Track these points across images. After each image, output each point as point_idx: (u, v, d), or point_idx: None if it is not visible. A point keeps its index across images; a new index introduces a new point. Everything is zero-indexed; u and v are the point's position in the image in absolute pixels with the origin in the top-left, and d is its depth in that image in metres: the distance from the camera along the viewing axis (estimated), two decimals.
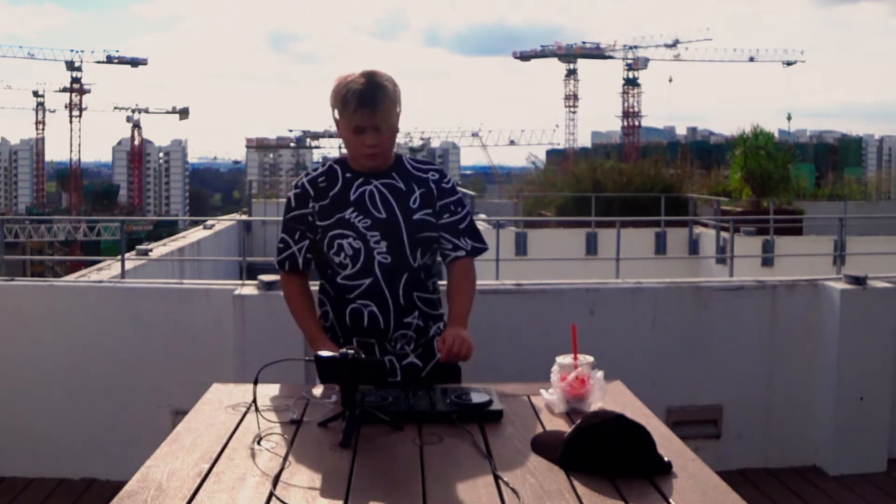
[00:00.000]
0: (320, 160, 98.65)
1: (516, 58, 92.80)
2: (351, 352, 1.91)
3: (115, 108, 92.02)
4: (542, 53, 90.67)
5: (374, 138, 2.39)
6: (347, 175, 2.48)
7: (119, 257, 7.86)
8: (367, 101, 2.35)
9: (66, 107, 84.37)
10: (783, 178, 16.88)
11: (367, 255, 2.41)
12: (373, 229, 2.42)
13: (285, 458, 1.72)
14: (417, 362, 2.49)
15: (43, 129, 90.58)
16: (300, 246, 2.55)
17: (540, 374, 2.34)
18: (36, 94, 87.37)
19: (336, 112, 2.41)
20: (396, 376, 2.46)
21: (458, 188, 2.63)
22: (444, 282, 2.62)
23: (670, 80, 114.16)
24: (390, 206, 2.44)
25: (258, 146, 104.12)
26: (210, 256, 11.79)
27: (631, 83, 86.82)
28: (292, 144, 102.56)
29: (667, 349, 4.05)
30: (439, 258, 2.58)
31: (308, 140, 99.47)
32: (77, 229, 50.01)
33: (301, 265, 2.57)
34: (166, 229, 25.48)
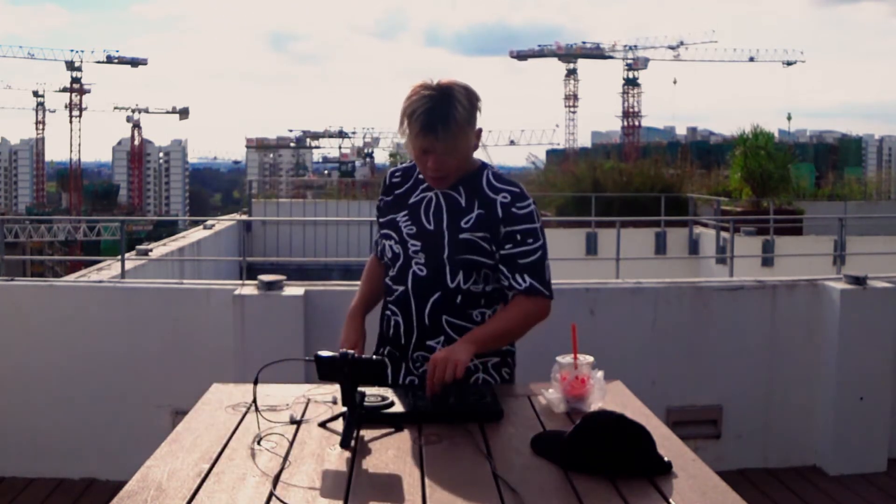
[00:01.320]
0: (320, 160, 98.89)
1: (513, 57, 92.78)
2: (351, 352, 1.91)
3: (115, 108, 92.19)
4: (541, 53, 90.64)
5: (437, 162, 2.22)
6: (419, 177, 2.36)
7: (119, 257, 7.86)
8: (432, 127, 2.16)
9: (66, 107, 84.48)
10: (783, 178, 16.87)
11: (405, 263, 2.32)
12: (416, 238, 2.31)
13: (285, 458, 1.72)
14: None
15: (43, 129, 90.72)
16: (378, 235, 2.47)
17: (540, 374, 2.34)
18: (36, 94, 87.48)
19: (404, 126, 2.23)
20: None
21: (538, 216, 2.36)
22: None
23: (674, 82, 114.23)
24: (440, 218, 2.30)
25: (258, 146, 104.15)
26: (210, 256, 11.79)
27: (631, 83, 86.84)
28: (292, 144, 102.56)
29: (667, 349, 4.05)
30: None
31: (308, 140, 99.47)
32: (77, 229, 50.02)
33: (379, 253, 2.45)
34: (166, 229, 25.49)
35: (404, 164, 2.47)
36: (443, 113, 2.17)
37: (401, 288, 2.32)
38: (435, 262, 2.28)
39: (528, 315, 2.31)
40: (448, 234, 2.28)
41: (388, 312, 2.38)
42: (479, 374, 2.34)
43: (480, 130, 2.30)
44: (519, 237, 2.27)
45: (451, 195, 2.32)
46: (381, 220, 2.42)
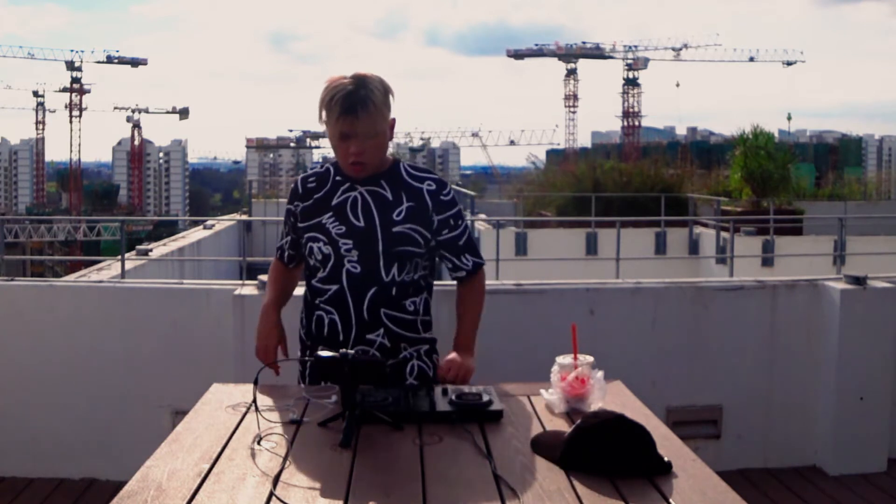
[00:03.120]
0: (320, 160, 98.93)
1: (510, 56, 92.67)
2: (350, 352, 1.91)
3: (115, 108, 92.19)
4: (539, 52, 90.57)
5: (357, 146, 2.30)
6: (337, 178, 2.43)
7: (119, 257, 7.86)
8: (351, 108, 2.26)
9: (66, 107, 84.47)
10: (783, 178, 16.89)
11: (336, 262, 2.36)
12: (346, 237, 2.35)
13: (285, 458, 1.72)
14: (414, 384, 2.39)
15: (43, 129, 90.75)
16: (285, 241, 2.59)
17: (540, 374, 2.34)
18: (36, 94, 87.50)
19: (323, 115, 2.33)
20: None
21: (457, 189, 2.59)
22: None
23: (677, 85, 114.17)
24: (371, 214, 2.36)
25: (258, 146, 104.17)
26: (210, 256, 11.79)
27: (631, 83, 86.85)
28: (292, 144, 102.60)
29: (667, 349, 4.05)
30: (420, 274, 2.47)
31: (308, 140, 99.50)
32: (77, 229, 50.05)
33: (286, 259, 2.60)
34: (166, 229, 25.51)
35: (315, 171, 2.53)
36: (361, 96, 2.26)
37: (334, 287, 2.37)
38: (369, 258, 2.35)
39: (481, 291, 2.53)
40: (381, 229, 2.35)
41: (320, 313, 2.41)
42: (414, 362, 2.45)
43: (394, 121, 2.39)
44: (452, 222, 2.43)
45: (376, 191, 2.39)
46: (301, 224, 2.44)
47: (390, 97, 2.35)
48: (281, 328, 2.54)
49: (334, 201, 2.40)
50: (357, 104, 2.26)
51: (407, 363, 2.44)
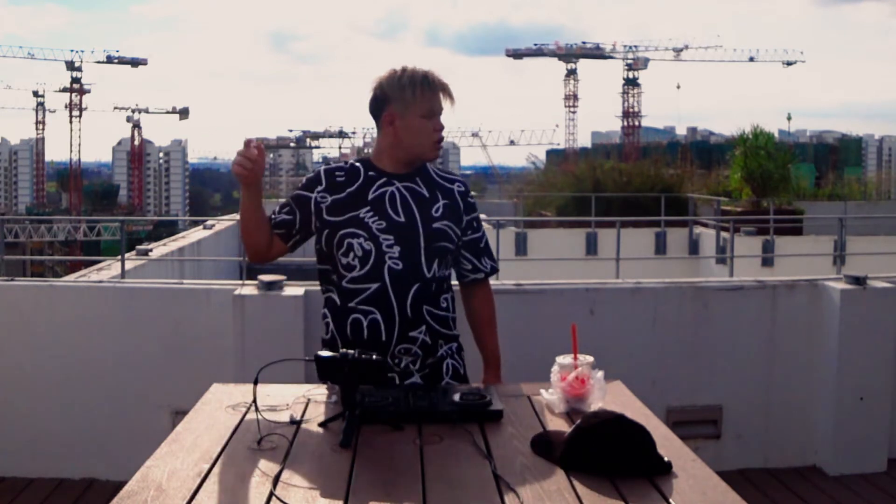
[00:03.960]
0: (320, 160, 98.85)
1: (509, 55, 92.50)
2: (351, 352, 1.91)
3: (115, 108, 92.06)
4: (538, 52, 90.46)
5: (440, 124, 2.36)
6: (370, 173, 2.38)
7: (119, 257, 7.85)
8: (444, 87, 2.35)
9: (66, 107, 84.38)
10: (783, 178, 16.88)
11: (378, 258, 2.29)
12: (387, 232, 2.30)
13: (285, 458, 1.72)
14: (420, 382, 2.37)
15: (43, 129, 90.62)
16: (280, 218, 2.39)
17: (540, 374, 2.34)
18: (36, 94, 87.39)
19: (403, 101, 2.32)
20: None
21: None
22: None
23: (678, 87, 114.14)
24: (410, 210, 2.33)
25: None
26: (210, 256, 11.78)
27: (631, 83, 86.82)
28: (292, 144, 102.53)
29: (667, 349, 4.05)
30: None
31: (308, 140, 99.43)
32: (77, 229, 50.04)
33: (272, 224, 2.40)
34: (166, 229, 25.50)
35: (338, 165, 2.44)
36: (442, 78, 2.36)
37: (375, 285, 2.30)
38: (410, 254, 2.31)
39: (493, 300, 2.56)
40: (422, 225, 2.33)
41: (357, 315, 2.32)
42: (449, 360, 2.44)
43: None
44: (475, 224, 2.48)
45: (412, 187, 2.38)
46: (331, 217, 2.33)
47: None
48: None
49: (370, 196, 2.34)
50: (447, 84, 2.35)
51: (443, 361, 2.42)
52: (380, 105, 2.37)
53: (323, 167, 2.45)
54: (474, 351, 2.58)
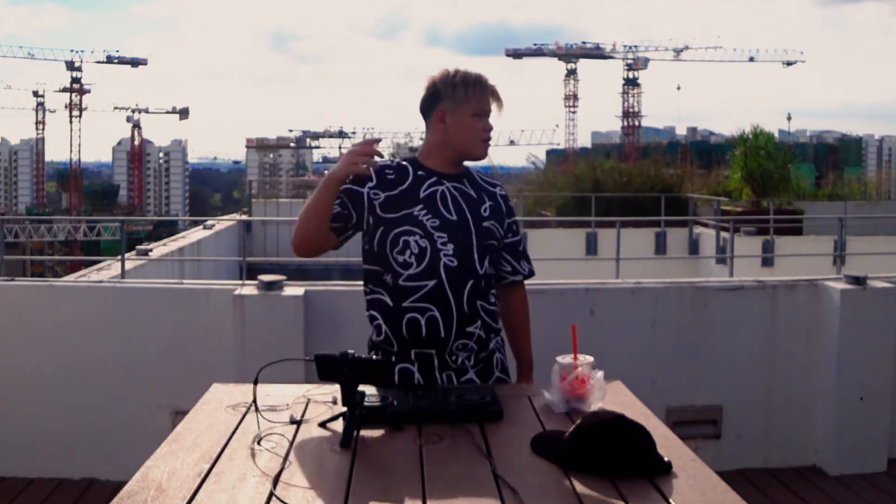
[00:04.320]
0: (320, 160, 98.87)
1: (509, 55, 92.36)
2: (351, 352, 1.91)
3: (115, 108, 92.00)
4: (538, 52, 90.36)
5: (489, 125, 2.42)
6: (419, 172, 2.39)
7: (119, 257, 7.86)
8: (494, 90, 2.41)
9: (66, 107, 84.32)
10: (783, 178, 16.87)
11: (433, 256, 2.31)
12: (441, 230, 2.32)
13: (285, 458, 1.72)
14: (476, 379, 2.38)
15: (43, 129, 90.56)
16: (336, 211, 2.35)
17: (540, 374, 2.34)
18: (36, 94, 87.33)
19: (454, 99, 2.37)
20: None
21: None
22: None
23: (678, 88, 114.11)
24: (461, 209, 2.37)
25: (258, 146, 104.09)
26: (210, 256, 11.78)
27: (631, 83, 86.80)
28: (292, 144, 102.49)
29: (667, 349, 4.05)
30: None
31: (308, 140, 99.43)
32: (77, 229, 50.05)
33: (400, 245, 2.36)
34: (166, 229, 25.51)
35: (385, 163, 2.43)
36: (493, 84, 2.43)
37: (431, 282, 2.31)
38: (463, 252, 2.34)
39: (527, 302, 2.61)
40: (473, 223, 2.38)
41: (414, 314, 2.32)
42: (497, 355, 2.48)
43: None
44: (515, 228, 2.54)
45: (461, 188, 2.42)
46: (385, 214, 2.33)
47: None
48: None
49: (422, 194, 2.36)
50: (497, 89, 2.43)
51: (493, 355, 2.46)
52: (432, 103, 2.41)
53: (376, 162, 2.39)
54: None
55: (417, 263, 2.31)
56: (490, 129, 2.43)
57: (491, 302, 2.43)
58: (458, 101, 2.37)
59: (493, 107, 2.43)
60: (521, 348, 2.58)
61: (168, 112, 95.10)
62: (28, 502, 3.72)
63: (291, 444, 1.82)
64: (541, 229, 15.09)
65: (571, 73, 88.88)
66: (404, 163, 2.43)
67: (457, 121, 2.38)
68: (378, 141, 2.42)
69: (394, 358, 2.35)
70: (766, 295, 4.15)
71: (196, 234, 12.52)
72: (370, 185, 2.35)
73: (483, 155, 2.45)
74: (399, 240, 2.32)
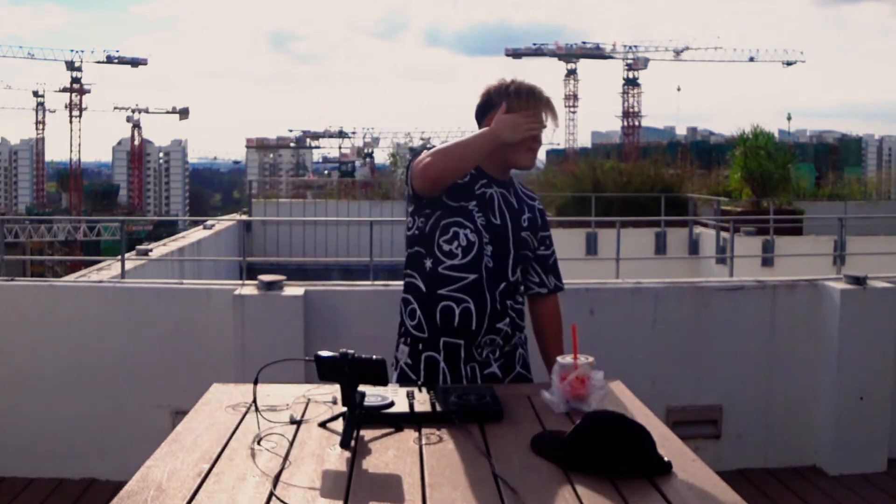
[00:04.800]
0: (320, 160, 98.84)
1: (508, 55, 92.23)
2: (351, 352, 1.91)
3: (115, 108, 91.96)
4: (538, 51, 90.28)
5: (540, 138, 2.45)
6: (473, 172, 2.44)
7: (119, 257, 7.84)
8: (548, 103, 2.45)
9: (66, 107, 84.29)
10: (783, 178, 16.85)
11: (479, 252, 2.39)
12: (486, 230, 2.41)
13: (285, 458, 1.72)
14: (498, 373, 2.46)
15: (43, 129, 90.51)
16: None
17: (540, 374, 2.34)
18: (36, 94, 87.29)
19: (511, 109, 2.36)
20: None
21: None
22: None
23: (679, 90, 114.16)
24: (504, 215, 2.45)
25: (258, 146, 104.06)
26: (210, 256, 11.78)
27: (631, 83, 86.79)
28: (292, 144, 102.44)
29: (667, 349, 4.05)
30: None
31: (308, 140, 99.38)
32: (77, 229, 50.01)
33: (450, 234, 2.45)
34: (166, 229, 25.49)
35: None
36: (548, 96, 2.47)
37: (472, 276, 2.39)
38: (501, 255, 2.42)
39: (560, 313, 2.64)
40: (512, 231, 2.45)
41: (449, 303, 2.39)
42: (520, 350, 2.53)
43: None
44: (548, 241, 2.59)
45: (506, 195, 2.49)
46: (446, 199, 2.39)
47: None
48: None
49: (476, 191, 2.43)
50: (552, 102, 2.47)
51: (516, 351, 2.51)
52: (485, 110, 2.45)
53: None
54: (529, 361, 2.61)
55: (463, 255, 2.38)
56: (539, 142, 2.45)
57: (518, 301, 2.50)
58: (511, 109, 2.39)
59: (548, 120, 2.45)
60: (547, 358, 2.57)
61: (168, 112, 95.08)
62: (28, 502, 3.72)
63: (291, 444, 1.82)
64: None
65: (571, 73, 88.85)
66: None
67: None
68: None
69: (421, 346, 2.42)
70: (766, 295, 4.15)
71: (196, 234, 12.51)
72: None
73: (528, 165, 2.49)
74: (450, 229, 2.39)
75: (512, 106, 2.39)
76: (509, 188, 2.50)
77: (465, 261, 2.38)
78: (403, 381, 2.43)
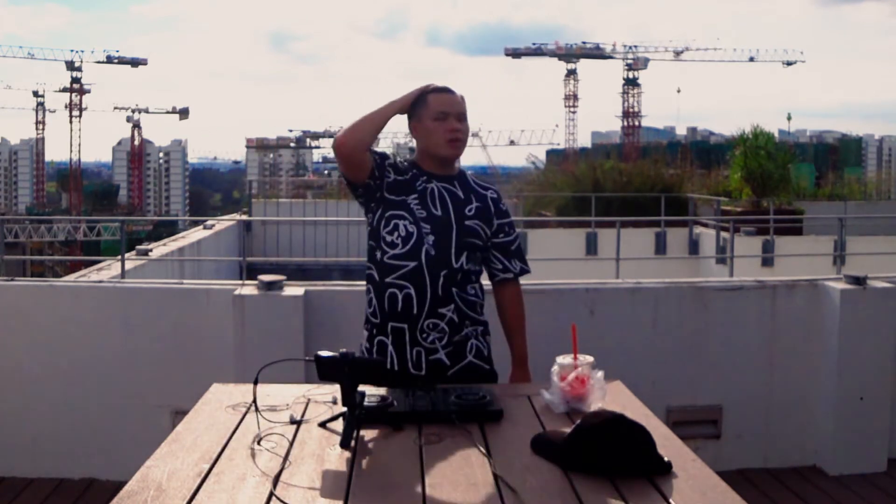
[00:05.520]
0: (320, 160, 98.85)
1: (508, 55, 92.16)
2: (351, 352, 1.91)
3: (115, 108, 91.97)
4: (537, 51, 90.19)
5: (454, 124, 2.57)
6: (414, 171, 2.62)
7: (119, 257, 7.84)
8: (448, 88, 2.61)
9: (66, 107, 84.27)
10: (783, 178, 16.85)
11: (417, 241, 2.53)
12: (426, 221, 2.55)
13: (285, 458, 1.72)
14: (445, 360, 2.55)
15: (43, 129, 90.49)
16: (381, 152, 2.62)
17: (540, 374, 2.34)
18: (36, 94, 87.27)
19: (417, 110, 2.60)
20: (421, 370, 2.52)
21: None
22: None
23: (678, 91, 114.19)
24: (446, 206, 2.59)
25: (258, 146, 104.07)
26: (210, 256, 11.77)
27: (631, 83, 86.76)
28: (292, 144, 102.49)
29: (667, 349, 4.05)
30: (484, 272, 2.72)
31: (308, 140, 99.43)
32: (77, 229, 50.00)
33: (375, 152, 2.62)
34: (166, 229, 25.47)
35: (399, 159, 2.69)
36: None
37: (412, 263, 2.53)
38: (443, 244, 2.55)
39: (522, 302, 2.77)
40: (455, 220, 2.58)
41: (393, 290, 2.54)
42: (473, 341, 2.62)
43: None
44: (507, 229, 2.71)
45: (449, 188, 2.62)
46: (388, 193, 2.58)
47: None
48: None
49: (417, 187, 2.60)
50: (452, 89, 2.62)
51: (468, 341, 2.59)
52: (409, 121, 2.66)
53: (392, 151, 2.67)
54: (529, 361, 2.72)
55: (403, 245, 2.55)
56: (455, 128, 2.58)
57: (470, 293, 2.61)
58: (419, 111, 2.60)
59: (457, 105, 2.59)
60: (511, 344, 2.72)
61: (168, 112, 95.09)
62: (28, 502, 3.72)
63: (291, 444, 1.82)
64: (541, 229, 15.08)
65: (571, 73, 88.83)
66: (406, 162, 2.70)
67: (421, 128, 2.61)
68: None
69: (375, 331, 2.58)
70: (766, 295, 4.14)
71: (196, 234, 12.50)
72: (389, 162, 2.60)
73: (451, 154, 2.62)
74: (391, 221, 2.57)
75: (419, 106, 2.60)
76: (453, 181, 2.63)
77: (405, 250, 2.54)
78: None
